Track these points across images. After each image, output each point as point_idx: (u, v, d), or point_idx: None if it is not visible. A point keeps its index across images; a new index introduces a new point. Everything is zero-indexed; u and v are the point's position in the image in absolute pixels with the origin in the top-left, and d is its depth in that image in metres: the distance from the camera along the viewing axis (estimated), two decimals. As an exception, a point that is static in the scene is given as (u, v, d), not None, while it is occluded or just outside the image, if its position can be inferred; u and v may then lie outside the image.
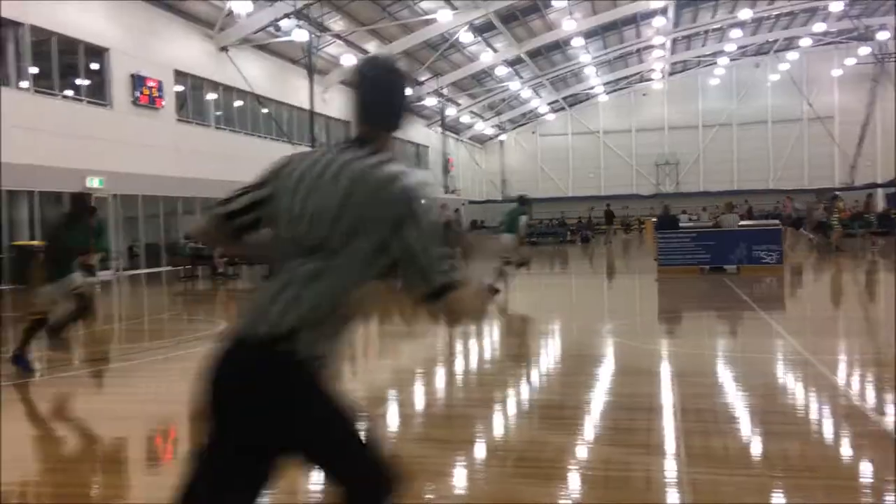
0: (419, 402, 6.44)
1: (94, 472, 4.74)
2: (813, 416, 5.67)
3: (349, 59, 34.87)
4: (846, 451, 4.75)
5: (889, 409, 5.69)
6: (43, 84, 21.66)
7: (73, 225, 7.70)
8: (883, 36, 43.97)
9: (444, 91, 44.13)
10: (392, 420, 5.77)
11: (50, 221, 7.37)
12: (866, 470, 4.38)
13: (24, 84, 21.01)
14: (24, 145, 20.06)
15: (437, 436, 5.25)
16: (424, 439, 5.21)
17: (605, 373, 7.33)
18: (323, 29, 31.12)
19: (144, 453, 5.29)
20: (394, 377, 7.38)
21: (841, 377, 6.81)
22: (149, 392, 6.99)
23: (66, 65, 22.65)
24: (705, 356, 8.06)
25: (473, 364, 8.24)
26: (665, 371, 7.35)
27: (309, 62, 31.04)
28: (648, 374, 7.09)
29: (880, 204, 45.44)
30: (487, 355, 8.83)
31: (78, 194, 8.23)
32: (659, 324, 11.03)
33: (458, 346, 9.13)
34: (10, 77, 20.57)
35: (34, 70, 21.36)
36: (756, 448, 4.80)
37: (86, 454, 5.19)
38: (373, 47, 35.60)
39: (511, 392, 6.62)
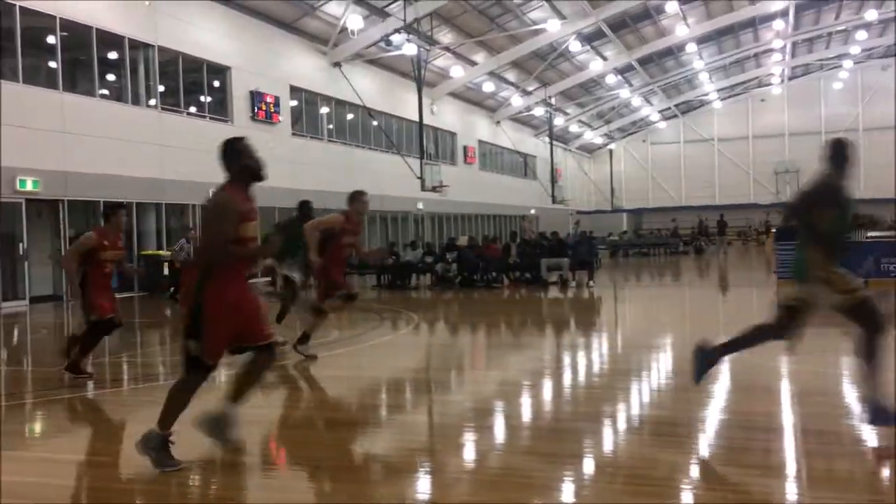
0: (526, 415, 6.40)
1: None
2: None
3: (458, 71, 35.23)
4: None
5: None
6: (169, 102, 22.88)
7: None
8: None
9: (552, 101, 43.89)
10: (499, 432, 5.76)
11: None
12: None
13: (153, 102, 22.27)
14: (152, 160, 21.25)
15: (545, 450, 5.21)
16: (531, 453, 5.17)
17: (721, 389, 7.08)
18: (432, 42, 31.56)
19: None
20: (501, 389, 7.37)
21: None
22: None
23: (191, 83, 23.87)
24: (829, 374, 7.67)
25: (582, 377, 8.13)
26: (785, 389, 7.04)
27: (417, 75, 31.53)
28: (767, 391, 6.81)
29: None
30: (597, 368, 8.69)
31: None
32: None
33: (567, 358, 9.03)
34: (140, 96, 21.84)
35: (161, 88, 22.61)
36: (884, 472, 4.53)
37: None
38: (481, 58, 35.83)
39: (621, 407, 6.48)
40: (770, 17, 38.56)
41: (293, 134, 27.77)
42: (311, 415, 6.62)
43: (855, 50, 46.56)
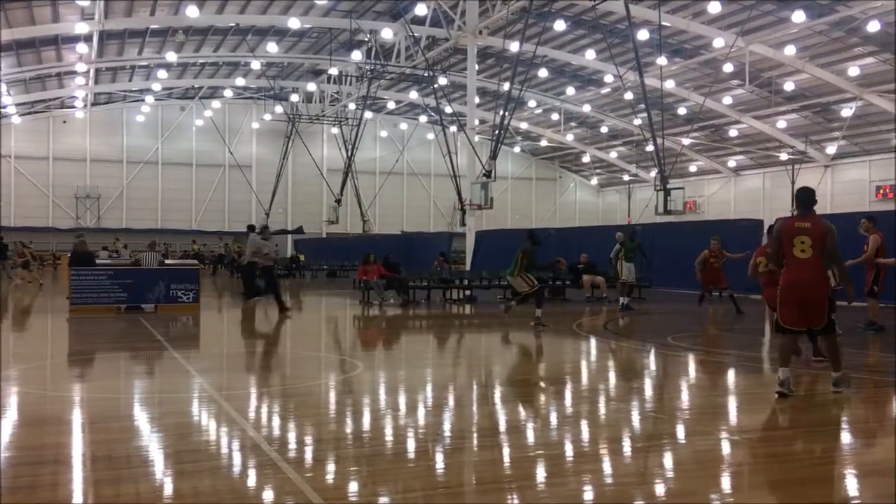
0: None
1: None
2: (222, 451, 5.92)
3: None
4: (250, 481, 5.07)
5: (286, 437, 6.28)
6: None
7: None
8: (294, 98, 49.23)
9: None
10: None
11: None
12: (267, 497, 4.74)
13: None
14: None
15: None
16: None
17: (6, 426, 6.56)
18: None
19: None
20: None
21: (244, 411, 7.26)
22: None
23: None
24: (118, 399, 7.82)
25: None
26: (76, 418, 6.92)
27: None
28: (57, 422, 6.58)
29: (289, 248, 50.45)
30: None
31: None
32: (69, 367, 10.33)
33: None
34: None
35: None
36: (169, 489, 4.81)
37: None
38: None
39: None
40: (74, 39, 37.92)
41: None
42: None
43: (157, 87, 49.10)
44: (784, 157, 44.85)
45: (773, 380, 7.65)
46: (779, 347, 7.74)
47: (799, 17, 29.69)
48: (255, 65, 43.82)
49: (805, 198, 7.71)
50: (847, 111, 38.78)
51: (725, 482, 5.15)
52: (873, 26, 29.43)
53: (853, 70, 35.00)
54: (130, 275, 17.21)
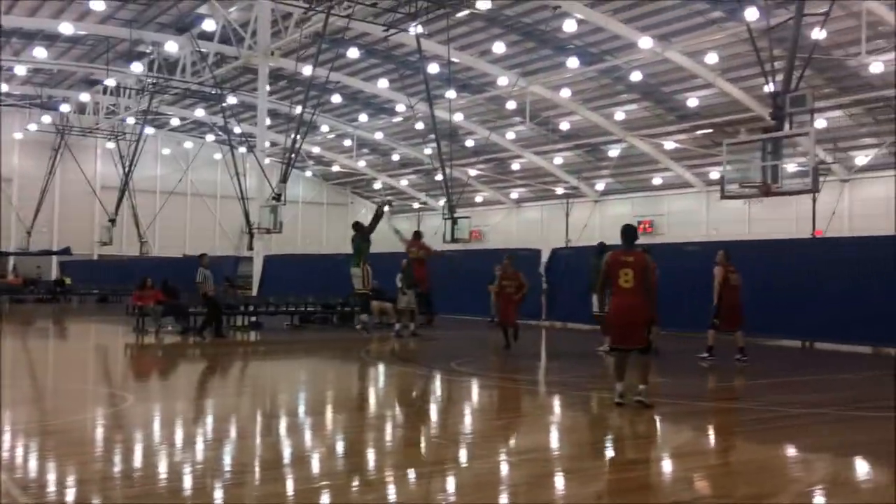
0: None
1: None
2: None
3: None
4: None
5: (44, 479, 5.70)
6: None
7: None
8: (65, 108, 45.57)
9: None
10: None
11: None
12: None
13: None
14: None
15: None
16: None
17: None
18: None
19: None
20: None
21: None
22: None
23: None
24: None
25: None
26: None
27: None
28: None
29: (54, 271, 46.46)
30: None
31: None
32: None
33: None
34: None
35: None
36: None
37: None
38: None
39: None
40: None
41: None
42: None
43: None
44: (560, 191, 47.96)
45: (556, 402, 8.05)
46: (613, 365, 8.79)
47: (573, 62, 32.05)
48: (20, 70, 40.15)
49: (629, 234, 8.76)
50: (613, 152, 42.26)
51: (504, 502, 5.31)
52: (636, 76, 32.43)
53: (619, 114, 38.26)
54: None
